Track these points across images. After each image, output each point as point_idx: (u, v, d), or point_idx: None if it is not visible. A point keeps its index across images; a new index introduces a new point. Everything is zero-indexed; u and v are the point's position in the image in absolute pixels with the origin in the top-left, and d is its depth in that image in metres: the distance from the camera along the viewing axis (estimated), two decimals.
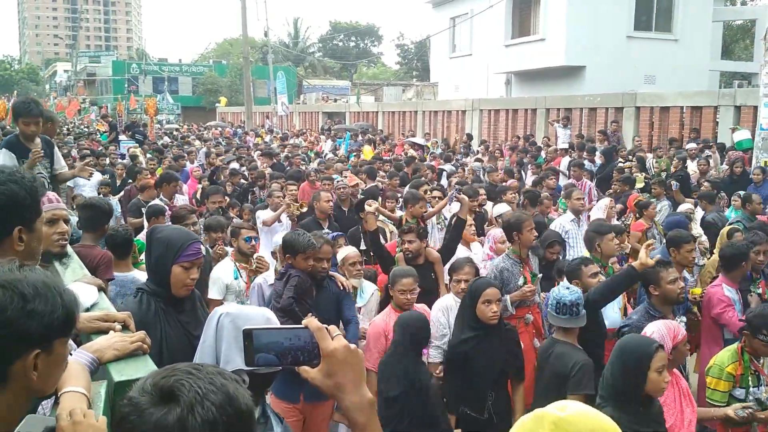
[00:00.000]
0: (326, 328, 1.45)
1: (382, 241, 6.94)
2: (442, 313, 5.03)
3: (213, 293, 5.32)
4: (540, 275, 5.96)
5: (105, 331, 2.29)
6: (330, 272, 5.02)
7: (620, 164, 12.84)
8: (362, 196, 8.95)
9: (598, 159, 13.85)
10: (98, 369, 2.06)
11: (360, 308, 5.45)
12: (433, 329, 4.72)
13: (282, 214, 8.14)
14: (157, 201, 8.31)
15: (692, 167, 12.09)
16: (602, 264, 5.53)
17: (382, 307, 5.35)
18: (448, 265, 5.94)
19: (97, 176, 11.79)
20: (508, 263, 5.58)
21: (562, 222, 7.85)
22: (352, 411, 1.43)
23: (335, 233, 7.18)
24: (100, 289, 2.90)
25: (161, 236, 3.03)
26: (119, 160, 15.22)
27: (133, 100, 38.18)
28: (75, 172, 6.22)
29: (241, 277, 5.50)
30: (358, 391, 1.43)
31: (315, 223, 7.56)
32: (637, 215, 8.58)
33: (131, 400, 1.21)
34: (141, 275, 4.93)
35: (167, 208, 7.67)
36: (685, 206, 8.81)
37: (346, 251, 5.73)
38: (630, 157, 13.59)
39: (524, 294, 5.43)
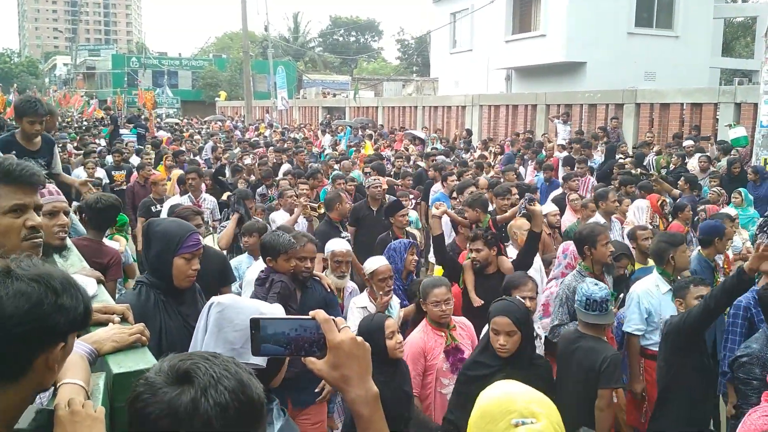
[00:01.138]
0: (333, 320, 1.46)
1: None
2: None
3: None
4: (620, 296, 5.28)
5: (104, 323, 2.30)
6: (314, 273, 4.78)
7: (620, 160, 12.85)
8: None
9: (594, 155, 13.82)
10: (97, 361, 2.06)
11: None
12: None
13: (299, 216, 7.62)
14: (182, 199, 8.10)
15: (692, 164, 12.08)
16: (673, 278, 5.01)
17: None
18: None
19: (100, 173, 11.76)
20: (581, 281, 4.92)
21: None
22: (356, 404, 1.43)
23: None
24: (99, 281, 2.91)
25: (160, 229, 3.03)
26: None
27: (141, 93, 38.19)
28: (76, 184, 5.80)
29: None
30: (364, 384, 1.43)
31: (332, 227, 7.09)
32: (670, 217, 8.27)
33: (147, 380, 1.23)
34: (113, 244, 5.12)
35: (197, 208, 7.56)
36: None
37: (376, 264, 5.04)
38: (629, 153, 13.59)
39: None
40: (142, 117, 27.45)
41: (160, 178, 9.30)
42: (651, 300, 4.98)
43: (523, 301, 4.16)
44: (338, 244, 5.36)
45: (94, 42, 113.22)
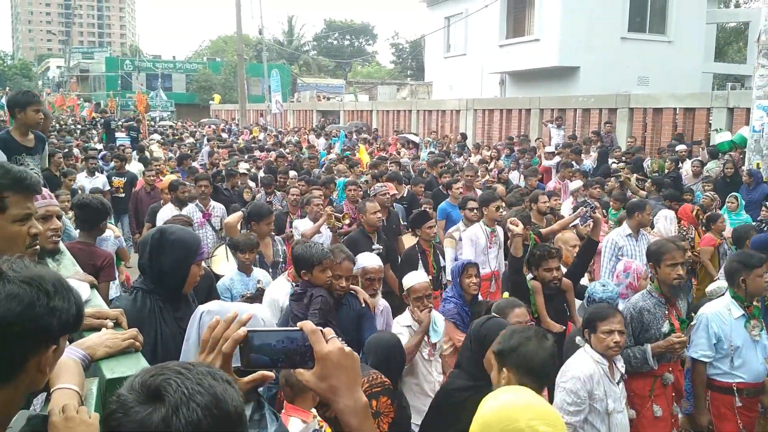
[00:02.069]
0: (321, 331, 1.45)
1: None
2: (583, 383, 3.71)
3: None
4: (692, 323, 4.77)
5: (97, 328, 2.29)
6: (351, 286, 4.57)
7: (613, 165, 12.91)
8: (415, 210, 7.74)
9: (587, 160, 13.85)
10: (90, 366, 2.06)
11: (434, 344, 4.68)
12: (569, 399, 3.68)
13: (323, 226, 7.37)
14: (186, 209, 7.97)
15: (686, 168, 12.14)
16: (746, 303, 4.61)
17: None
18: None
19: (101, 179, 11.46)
20: (650, 303, 4.53)
21: (614, 237, 6.91)
22: (345, 414, 1.42)
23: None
24: (93, 285, 2.90)
25: (176, 238, 3.02)
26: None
27: (140, 96, 38.10)
28: None
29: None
30: (353, 394, 1.43)
31: (364, 237, 6.69)
32: (704, 228, 8.12)
33: (119, 398, 1.21)
34: None
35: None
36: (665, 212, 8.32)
37: (413, 280, 4.73)
38: (623, 157, 13.63)
39: (671, 345, 4.40)
40: (135, 119, 27.41)
41: (165, 186, 9.10)
42: (722, 325, 4.54)
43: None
44: (370, 260, 5.01)
45: (87, 44, 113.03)
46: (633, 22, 22.80)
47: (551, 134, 17.83)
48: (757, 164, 11.13)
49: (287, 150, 17.84)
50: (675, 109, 15.86)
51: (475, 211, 7.47)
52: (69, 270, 3.23)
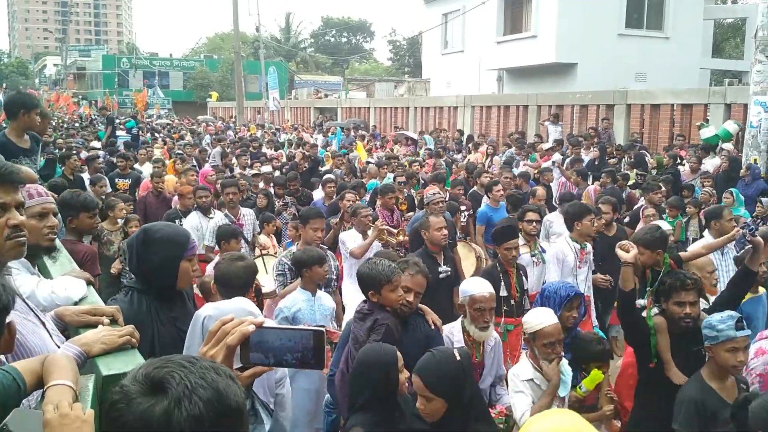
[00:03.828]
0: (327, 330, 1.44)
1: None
2: None
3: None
4: None
5: (93, 325, 2.28)
6: (420, 305, 4.14)
7: (611, 161, 12.91)
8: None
9: (585, 154, 13.82)
10: (86, 363, 2.05)
11: (563, 399, 3.97)
12: None
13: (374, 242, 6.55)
14: (221, 217, 7.49)
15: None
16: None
17: None
18: None
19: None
20: None
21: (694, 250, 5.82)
22: None
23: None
24: (89, 282, 2.89)
25: (162, 235, 3.00)
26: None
27: (145, 94, 38.16)
28: None
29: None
30: None
31: (428, 258, 5.60)
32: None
33: (122, 388, 1.21)
34: None
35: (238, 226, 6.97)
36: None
37: (541, 320, 3.83)
38: (622, 153, 13.62)
39: None
40: (135, 117, 27.33)
41: (187, 190, 8.57)
42: None
43: (463, 355, 3.19)
44: (479, 286, 4.23)
45: (84, 42, 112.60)
46: (630, 18, 22.79)
47: (548, 131, 17.83)
48: (755, 159, 11.14)
49: (289, 150, 17.69)
50: (672, 105, 15.87)
51: (535, 224, 6.51)
52: (66, 267, 3.22)
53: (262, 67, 37.21)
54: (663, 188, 9.12)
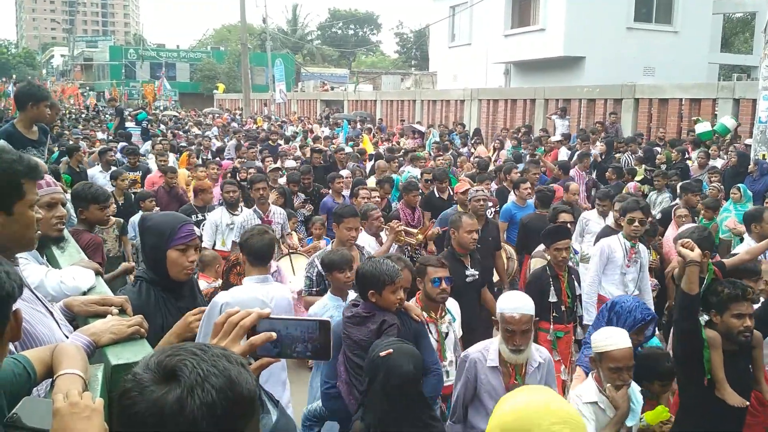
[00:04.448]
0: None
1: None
2: None
3: None
4: None
5: (102, 315, 2.29)
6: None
7: (616, 155, 12.85)
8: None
9: (593, 150, 13.76)
10: (95, 352, 2.06)
11: (630, 429, 3.61)
12: None
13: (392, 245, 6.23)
14: (249, 214, 7.27)
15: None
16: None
17: None
18: None
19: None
20: None
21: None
22: None
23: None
24: (97, 273, 2.90)
25: (151, 224, 3.01)
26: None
27: (161, 85, 38.16)
28: None
29: (431, 333, 4.24)
30: None
31: (455, 261, 5.34)
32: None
33: (135, 376, 1.22)
34: None
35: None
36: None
37: (612, 342, 3.42)
38: (626, 147, 13.55)
39: None
40: (144, 108, 27.33)
41: (206, 185, 8.42)
42: None
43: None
44: (511, 303, 3.77)
45: (91, 33, 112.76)
46: (639, 12, 22.68)
47: (555, 125, 17.77)
48: (763, 155, 11.07)
49: (297, 142, 17.51)
50: (681, 99, 15.79)
51: (569, 225, 6.20)
52: (74, 257, 3.23)
53: (269, 59, 37.16)
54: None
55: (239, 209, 7.57)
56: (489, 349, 3.83)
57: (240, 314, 1.56)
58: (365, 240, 6.16)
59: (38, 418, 1.51)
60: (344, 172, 10.08)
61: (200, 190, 8.24)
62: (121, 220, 7.07)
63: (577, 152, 12.55)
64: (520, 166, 10.83)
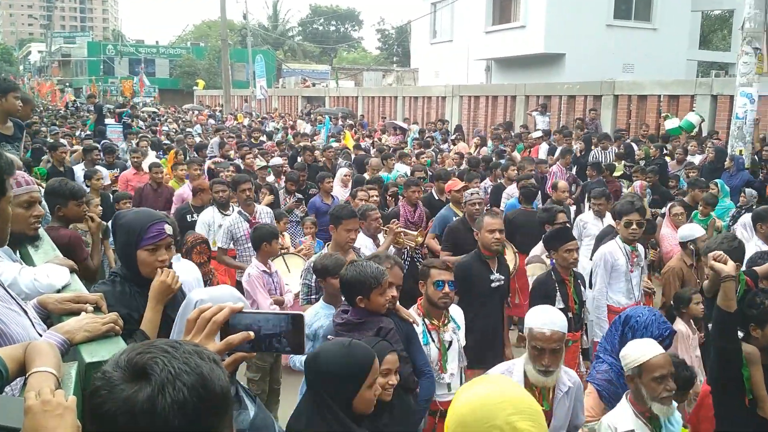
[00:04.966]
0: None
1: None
2: None
3: None
4: None
5: (76, 313, 2.26)
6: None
7: (596, 152, 12.94)
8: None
9: (574, 144, 13.85)
10: (69, 350, 2.03)
11: None
12: None
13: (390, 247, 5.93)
14: (235, 216, 6.85)
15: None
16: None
17: None
18: None
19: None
20: None
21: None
22: None
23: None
24: (72, 270, 2.87)
25: (123, 222, 2.96)
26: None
27: (142, 81, 37.80)
28: None
29: (432, 341, 4.10)
30: None
31: (480, 264, 5.09)
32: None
33: (105, 374, 1.20)
34: None
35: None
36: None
37: (646, 351, 3.22)
38: (606, 143, 13.66)
39: None
40: (131, 106, 27.05)
41: (205, 185, 7.93)
42: None
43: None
44: (542, 319, 3.43)
45: (69, 29, 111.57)
46: (618, 10, 22.84)
47: (536, 121, 17.86)
48: (740, 151, 11.22)
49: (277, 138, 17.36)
50: (659, 96, 15.93)
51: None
52: (49, 255, 3.19)
53: (249, 55, 36.97)
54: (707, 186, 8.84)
55: (230, 209, 7.24)
56: (513, 371, 3.50)
57: (212, 310, 1.55)
58: (363, 241, 5.83)
59: (10, 416, 1.48)
60: (343, 171, 9.98)
61: (199, 189, 7.84)
62: (105, 224, 6.77)
63: (560, 148, 12.64)
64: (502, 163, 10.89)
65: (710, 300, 3.77)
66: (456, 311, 4.35)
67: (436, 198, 8.62)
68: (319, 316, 4.16)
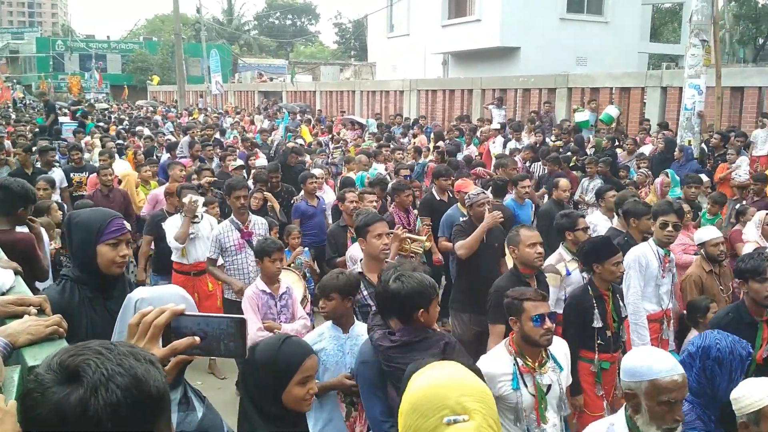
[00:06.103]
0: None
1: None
2: None
3: None
4: None
5: (20, 316, 2.21)
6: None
7: (552, 143, 13.14)
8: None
9: (527, 138, 14.02)
10: (12, 354, 1.99)
11: None
12: None
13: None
14: (225, 225, 6.11)
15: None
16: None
17: None
18: None
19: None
20: None
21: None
22: None
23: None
24: (17, 272, 2.80)
25: (79, 220, 2.91)
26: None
27: (101, 77, 37.02)
28: None
29: (525, 386, 3.60)
30: None
31: (519, 282, 4.36)
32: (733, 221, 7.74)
33: (37, 377, 1.18)
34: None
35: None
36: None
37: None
38: (567, 136, 13.88)
39: None
40: (86, 104, 26.36)
41: (173, 189, 7.33)
42: None
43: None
44: (662, 361, 2.68)
45: (17, 25, 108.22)
46: (571, 4, 23.19)
47: (492, 114, 18.03)
48: (689, 141, 11.50)
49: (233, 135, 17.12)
50: (611, 88, 16.24)
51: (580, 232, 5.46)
52: None
53: (204, 49, 36.47)
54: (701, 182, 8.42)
55: (200, 216, 6.57)
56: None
57: (153, 313, 1.53)
58: (356, 252, 5.11)
59: None
60: (317, 171, 9.14)
61: (170, 193, 7.26)
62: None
63: (526, 144, 12.84)
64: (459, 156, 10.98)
65: None
66: (558, 346, 3.62)
67: (437, 198, 7.83)
68: (323, 337, 3.80)
